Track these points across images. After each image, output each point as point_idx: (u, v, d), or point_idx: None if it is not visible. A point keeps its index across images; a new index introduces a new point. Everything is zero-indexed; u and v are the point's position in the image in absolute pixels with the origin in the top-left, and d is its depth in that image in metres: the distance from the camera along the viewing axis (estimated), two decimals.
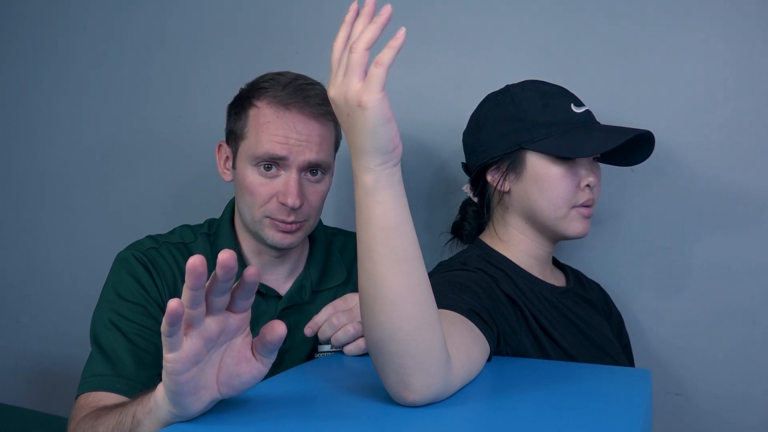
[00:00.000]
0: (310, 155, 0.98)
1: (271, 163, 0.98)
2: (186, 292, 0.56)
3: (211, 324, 0.60)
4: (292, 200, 0.96)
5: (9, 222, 1.76)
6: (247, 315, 0.63)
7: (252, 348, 0.64)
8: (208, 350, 0.61)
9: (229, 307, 0.61)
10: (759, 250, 1.13)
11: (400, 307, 0.64)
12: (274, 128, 0.97)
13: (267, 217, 0.99)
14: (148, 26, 1.57)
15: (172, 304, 0.55)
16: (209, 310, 0.59)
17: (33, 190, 1.72)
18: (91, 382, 0.92)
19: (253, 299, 0.62)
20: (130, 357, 0.93)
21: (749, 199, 1.13)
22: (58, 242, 1.69)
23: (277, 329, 0.62)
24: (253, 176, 0.99)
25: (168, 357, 0.59)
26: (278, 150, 0.97)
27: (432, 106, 1.31)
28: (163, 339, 0.58)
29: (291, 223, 0.99)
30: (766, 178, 1.12)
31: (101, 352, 0.94)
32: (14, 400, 1.68)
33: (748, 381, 1.14)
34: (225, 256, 0.56)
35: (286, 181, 0.98)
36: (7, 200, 1.76)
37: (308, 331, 0.91)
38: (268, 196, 0.99)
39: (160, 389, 0.65)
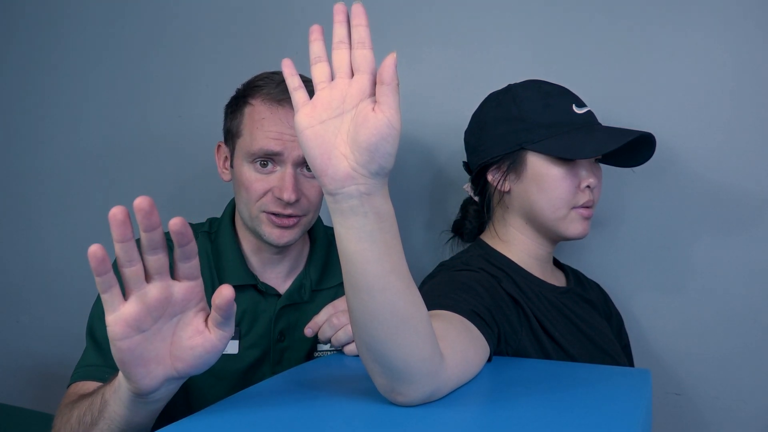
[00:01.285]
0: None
1: (267, 159, 0.99)
2: (115, 246, 0.55)
3: (153, 290, 0.59)
4: (288, 195, 0.97)
5: (9, 222, 1.76)
6: (195, 285, 0.62)
7: (207, 321, 0.63)
8: (155, 320, 0.60)
9: (174, 275, 0.60)
10: (759, 250, 1.13)
11: (363, 329, 0.63)
12: (268, 125, 0.98)
13: (263, 212, 1.00)
14: (147, 26, 1.58)
15: (92, 247, 0.55)
16: (148, 273, 0.59)
17: (33, 190, 1.72)
18: (81, 372, 0.93)
19: (196, 263, 0.61)
20: None
21: (749, 199, 1.13)
22: (58, 242, 1.69)
23: (224, 291, 0.60)
24: (249, 173, 1.00)
25: (107, 319, 0.58)
26: (273, 146, 0.97)
27: (432, 105, 1.31)
28: (102, 298, 0.57)
29: (288, 216, 0.99)
30: (765, 179, 1.12)
31: (94, 344, 0.95)
32: (14, 399, 1.68)
33: (748, 381, 1.14)
34: (139, 200, 0.55)
35: (282, 176, 0.99)
36: (7, 200, 1.76)
37: (308, 331, 0.92)
38: (263, 191, 0.99)
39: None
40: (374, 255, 0.61)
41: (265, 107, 0.99)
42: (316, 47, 0.62)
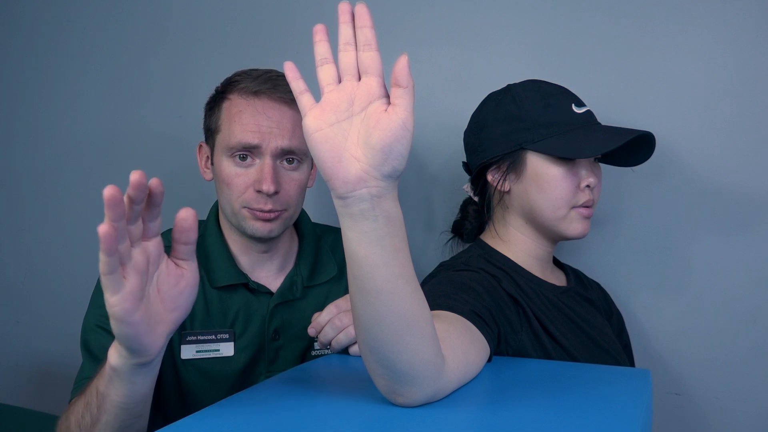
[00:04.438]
0: (282, 142, 0.98)
1: (246, 152, 0.99)
2: (109, 228, 0.55)
3: (138, 256, 0.61)
4: (267, 186, 0.97)
5: (9, 222, 1.75)
6: (158, 240, 0.64)
7: (175, 263, 0.65)
8: (145, 285, 0.62)
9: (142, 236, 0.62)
10: (759, 250, 1.13)
11: (369, 331, 0.63)
12: (246, 117, 0.99)
13: (245, 207, 0.99)
14: (147, 26, 1.57)
15: (103, 228, 0.55)
16: (131, 242, 0.60)
17: (33, 190, 1.72)
18: (80, 385, 0.91)
19: (159, 218, 0.62)
20: None
21: (749, 199, 1.13)
22: (58, 242, 1.69)
23: (180, 214, 0.62)
24: (229, 168, 1.00)
25: (113, 300, 0.59)
26: (250, 138, 0.98)
27: (432, 105, 1.31)
28: (104, 280, 0.58)
29: (269, 211, 0.99)
30: (765, 178, 1.12)
31: (90, 356, 0.94)
32: (14, 399, 1.68)
33: (748, 381, 1.14)
34: (135, 176, 0.56)
35: (261, 168, 0.98)
36: (7, 200, 1.76)
37: (312, 331, 0.91)
38: (244, 186, 0.99)
39: (113, 354, 0.66)
40: (383, 259, 0.61)
41: (242, 100, 1.00)
42: (322, 48, 0.61)
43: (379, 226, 0.60)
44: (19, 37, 1.72)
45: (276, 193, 0.98)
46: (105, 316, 0.96)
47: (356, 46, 0.60)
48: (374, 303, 0.62)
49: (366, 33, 0.59)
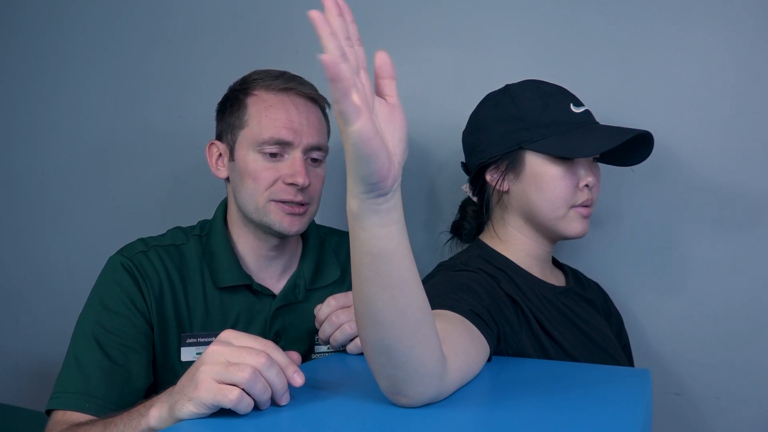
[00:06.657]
0: (312, 139, 1.01)
1: (277, 147, 0.99)
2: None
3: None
4: (302, 179, 0.98)
5: (9, 222, 1.76)
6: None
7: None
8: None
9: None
10: (759, 250, 1.13)
11: (388, 328, 0.62)
12: (277, 112, 1.00)
13: (272, 200, 0.99)
14: (148, 26, 1.58)
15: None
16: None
17: (33, 190, 1.72)
18: (63, 399, 0.91)
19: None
20: (102, 375, 0.92)
21: (749, 198, 1.13)
22: (58, 242, 1.69)
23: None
24: (256, 162, 1.00)
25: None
26: (284, 134, 0.99)
27: (431, 105, 1.31)
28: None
29: (298, 203, 1.00)
30: (765, 178, 1.12)
31: (77, 365, 0.93)
32: (14, 400, 1.68)
33: (748, 381, 1.14)
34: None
35: (292, 162, 1.00)
36: (7, 200, 1.76)
37: (317, 323, 0.92)
38: (272, 179, 1.00)
39: (155, 414, 0.67)
40: (406, 249, 0.62)
41: (271, 95, 1.01)
42: (332, 45, 0.58)
43: (401, 214, 0.61)
44: (19, 37, 1.72)
45: (308, 186, 1.00)
46: (101, 324, 0.95)
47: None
48: (398, 296, 0.62)
49: (350, 28, 0.58)
